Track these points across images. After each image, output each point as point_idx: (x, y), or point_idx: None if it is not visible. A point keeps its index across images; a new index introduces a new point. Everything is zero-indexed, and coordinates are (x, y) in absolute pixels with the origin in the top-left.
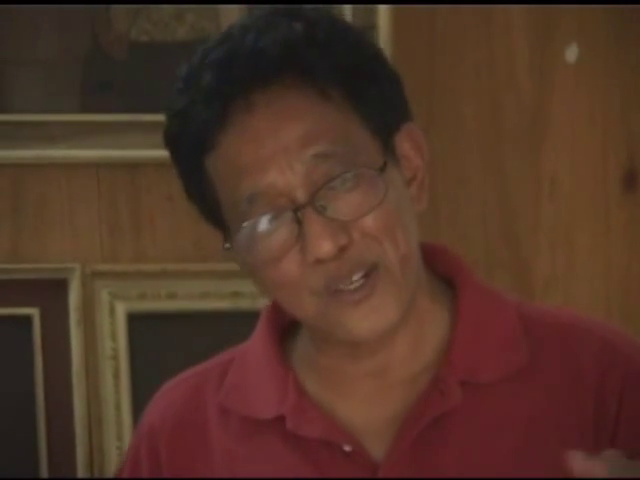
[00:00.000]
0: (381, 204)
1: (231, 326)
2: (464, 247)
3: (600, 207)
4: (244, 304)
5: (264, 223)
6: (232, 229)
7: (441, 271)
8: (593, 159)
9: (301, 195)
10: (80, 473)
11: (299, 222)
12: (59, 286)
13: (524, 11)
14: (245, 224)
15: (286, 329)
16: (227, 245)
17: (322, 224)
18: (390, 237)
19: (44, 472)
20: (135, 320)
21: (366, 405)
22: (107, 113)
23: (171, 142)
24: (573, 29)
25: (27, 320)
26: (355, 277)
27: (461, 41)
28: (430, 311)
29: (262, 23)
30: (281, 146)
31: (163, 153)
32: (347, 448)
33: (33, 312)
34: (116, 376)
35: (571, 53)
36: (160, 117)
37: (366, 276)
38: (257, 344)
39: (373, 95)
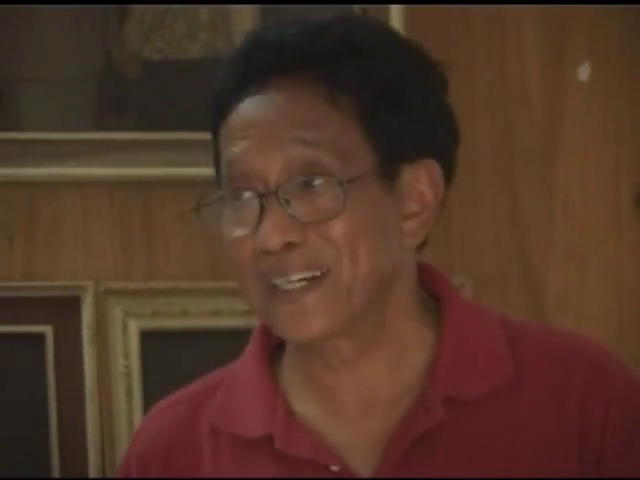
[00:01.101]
0: (350, 212)
1: (242, 344)
2: (477, 265)
3: (612, 226)
4: (255, 322)
5: (240, 200)
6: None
7: (427, 289)
8: (605, 178)
9: (272, 182)
10: None
11: (262, 209)
12: (72, 304)
13: (536, 29)
14: (221, 194)
15: (274, 350)
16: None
17: (278, 217)
18: (350, 249)
19: None
20: (148, 338)
21: (353, 423)
22: (120, 131)
23: (209, 114)
24: (585, 48)
25: (40, 338)
26: (293, 277)
27: (473, 59)
28: (413, 332)
29: (305, 22)
30: (273, 135)
31: (176, 171)
32: (334, 468)
33: (46, 330)
34: (129, 394)
35: (583, 72)
36: (173, 135)
37: (306, 281)
38: (247, 364)
39: (390, 122)
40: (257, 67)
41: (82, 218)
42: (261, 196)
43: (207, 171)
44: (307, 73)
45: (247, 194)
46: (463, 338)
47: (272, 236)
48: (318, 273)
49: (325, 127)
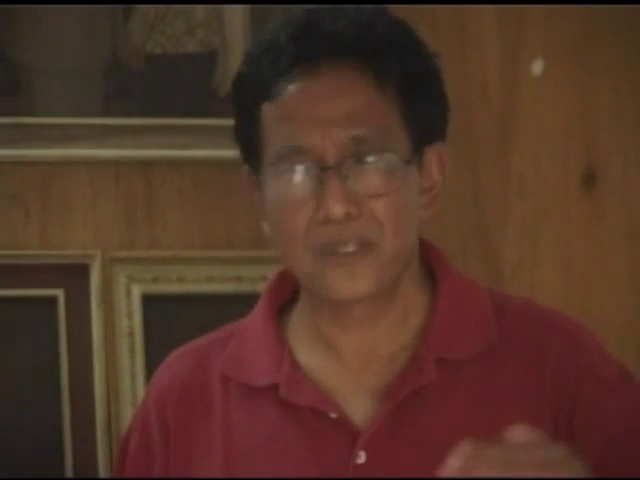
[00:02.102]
0: (395, 192)
1: (234, 307)
2: (441, 240)
3: (562, 204)
4: (246, 288)
5: (295, 173)
6: (265, 169)
7: (425, 261)
8: (556, 161)
9: (331, 159)
10: (100, 437)
11: (321, 182)
12: (82, 270)
13: (495, 27)
14: (285, 164)
15: (284, 305)
16: (257, 199)
17: (341, 188)
18: (393, 226)
19: (67, 437)
20: (149, 301)
21: (352, 377)
22: (125, 117)
23: (238, 83)
24: (539, 45)
25: (53, 300)
26: (350, 246)
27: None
28: (414, 296)
29: (345, 10)
30: (331, 117)
31: (174, 152)
32: (333, 415)
33: (58, 293)
34: (132, 351)
35: (537, 67)
36: (172, 121)
37: (359, 249)
38: (257, 319)
39: (422, 107)
40: (309, 52)
41: (90, 194)
42: (323, 169)
43: (202, 152)
44: (356, 61)
45: (301, 167)
46: (454, 305)
47: (336, 205)
48: (367, 245)
49: (373, 110)
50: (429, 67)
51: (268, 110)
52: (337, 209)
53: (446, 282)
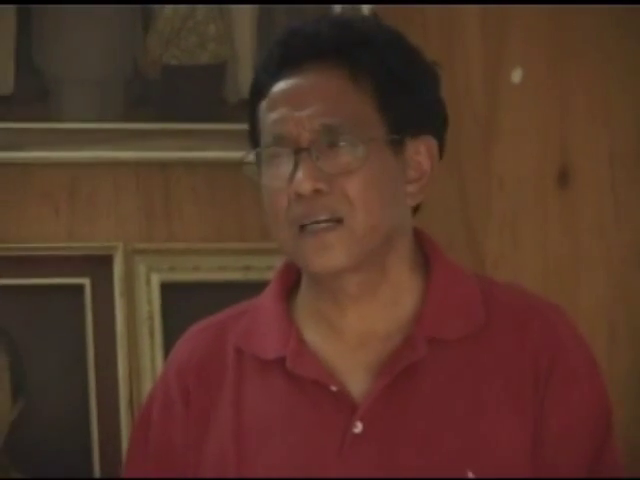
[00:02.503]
0: (363, 170)
1: (243, 294)
2: (430, 232)
3: (539, 200)
4: (254, 276)
5: (278, 158)
6: (260, 159)
7: (420, 248)
8: (533, 161)
9: (304, 142)
10: (123, 411)
11: (296, 164)
12: (106, 261)
13: (479, 41)
14: (269, 152)
15: (292, 288)
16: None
17: (310, 168)
18: (364, 204)
19: (94, 411)
20: (167, 288)
21: (351, 353)
22: (144, 122)
23: (251, 85)
24: (518, 55)
25: (80, 288)
26: (320, 218)
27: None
28: (408, 280)
29: (329, 17)
30: (304, 106)
31: (189, 154)
32: (333, 388)
33: (85, 282)
34: (151, 334)
35: (516, 75)
36: (187, 125)
37: (330, 224)
38: (268, 299)
39: (399, 100)
40: (294, 53)
41: (113, 192)
42: (296, 152)
43: (214, 154)
44: (334, 59)
45: (283, 153)
46: (446, 290)
47: (304, 182)
48: (337, 220)
49: (347, 100)
50: (411, 65)
51: (260, 107)
52: (305, 185)
53: (438, 269)
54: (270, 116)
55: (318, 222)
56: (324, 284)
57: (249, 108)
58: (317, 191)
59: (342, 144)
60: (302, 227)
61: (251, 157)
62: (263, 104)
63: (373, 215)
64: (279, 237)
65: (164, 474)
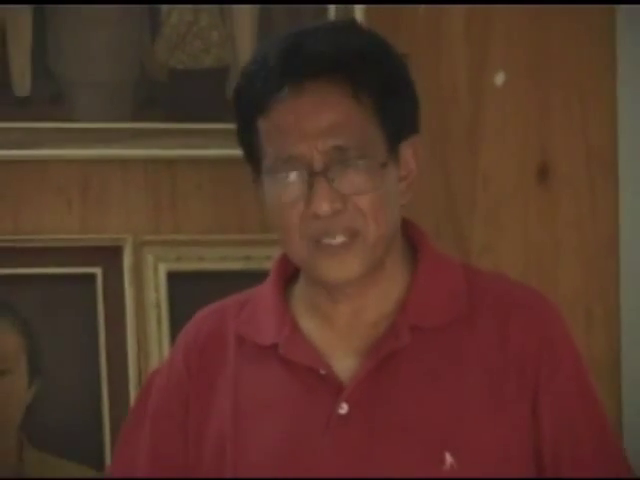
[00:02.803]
0: (374, 190)
1: (244, 282)
2: (419, 224)
3: (520, 195)
4: (254, 266)
5: (288, 178)
6: (265, 174)
7: (408, 238)
8: (515, 158)
9: (318, 165)
10: (132, 392)
11: (310, 185)
12: (116, 252)
13: (464, 46)
14: (279, 171)
15: (289, 279)
16: (261, 197)
17: (327, 190)
18: (374, 217)
19: (105, 393)
20: (173, 277)
21: (341, 340)
22: (152, 122)
23: (236, 97)
24: (501, 60)
25: (92, 277)
26: (338, 237)
27: (416, 69)
28: (396, 272)
29: (324, 30)
30: (315, 130)
31: (194, 152)
32: (322, 372)
33: (97, 271)
34: (158, 320)
35: (499, 79)
36: (192, 125)
37: (347, 240)
38: (267, 290)
39: (395, 109)
40: (294, 72)
41: (123, 187)
42: (310, 174)
43: (217, 152)
44: (335, 77)
45: (294, 173)
46: (431, 280)
47: (323, 205)
48: (353, 234)
49: (352, 119)
50: (399, 72)
51: (262, 123)
52: (324, 207)
53: (426, 258)
54: (278, 136)
55: (334, 241)
56: (326, 287)
57: (244, 118)
58: (334, 212)
59: (352, 164)
60: (318, 242)
61: (255, 177)
62: (264, 121)
63: (382, 225)
64: (291, 248)
65: (157, 437)
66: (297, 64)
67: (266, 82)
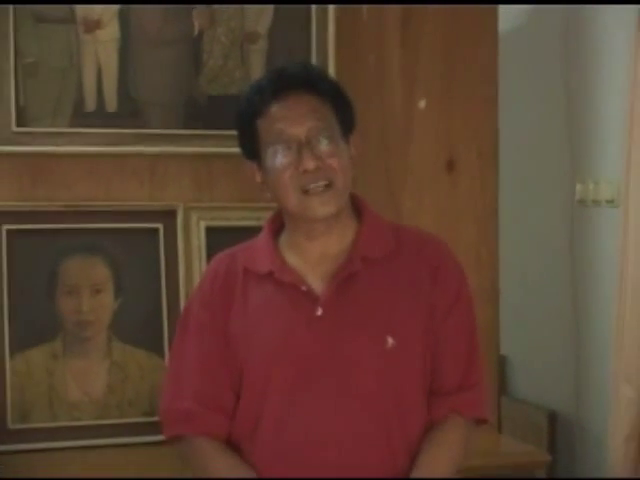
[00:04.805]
0: (338, 154)
1: (254, 234)
2: (366, 198)
3: (435, 179)
4: (260, 223)
5: (284, 149)
6: (265, 158)
7: (355, 205)
8: (432, 155)
9: (303, 139)
10: (182, 303)
11: (299, 152)
12: (172, 214)
13: (400, 79)
14: (276, 147)
15: (278, 230)
16: (258, 179)
17: (311, 153)
18: (342, 172)
19: (164, 305)
20: (210, 231)
21: (314, 267)
22: (196, 129)
23: (240, 109)
24: (424, 90)
25: (156, 230)
26: (320, 183)
27: (367, 98)
28: (348, 223)
29: (297, 65)
30: (299, 116)
31: (225, 150)
32: (303, 288)
33: (159, 226)
34: (199, 259)
35: (422, 103)
36: (221, 132)
37: (325, 186)
38: (263, 237)
39: (342, 109)
40: (282, 87)
41: (176, 172)
42: (300, 145)
43: (238, 150)
44: (308, 89)
45: (288, 146)
46: (372, 227)
47: (310, 162)
48: (329, 183)
49: (320, 112)
50: (341, 89)
51: (260, 123)
52: (310, 164)
53: (366, 215)
54: (275, 125)
55: (318, 186)
56: (307, 225)
57: (245, 124)
58: (316, 167)
59: (324, 138)
60: (305, 191)
61: (248, 163)
62: (262, 120)
63: (345, 179)
64: (287, 199)
65: (201, 342)
66: (283, 82)
67: (262, 96)
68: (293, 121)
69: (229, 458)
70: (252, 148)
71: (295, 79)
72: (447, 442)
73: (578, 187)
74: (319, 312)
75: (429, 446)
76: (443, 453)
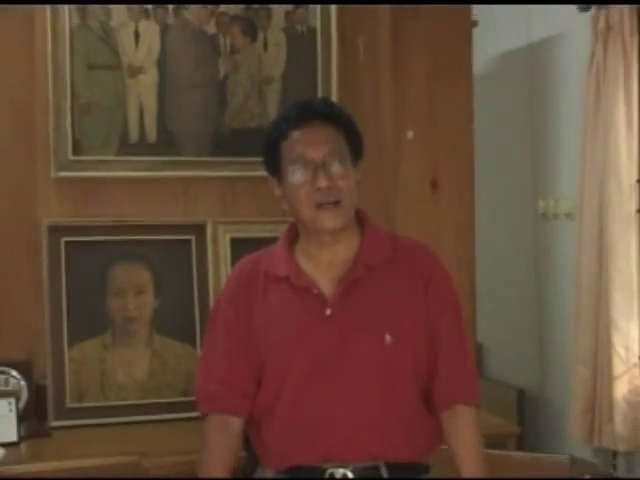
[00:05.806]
0: (348, 179)
1: (271, 244)
2: (367, 212)
3: (421, 197)
4: (276, 234)
5: (303, 169)
6: (285, 176)
7: (358, 218)
8: (418, 176)
9: (319, 162)
10: (211, 301)
11: (315, 172)
12: (202, 227)
13: (391, 112)
14: (296, 166)
15: (293, 239)
16: (277, 192)
17: (325, 175)
18: (348, 193)
19: (196, 303)
20: (234, 242)
21: (324, 273)
22: (222, 157)
23: (267, 134)
24: (411, 122)
25: (189, 241)
26: (330, 200)
27: (361, 127)
28: (353, 234)
29: (318, 99)
30: (317, 142)
31: (248, 173)
32: (315, 291)
33: (192, 237)
34: (225, 264)
35: (410, 134)
36: (244, 159)
37: (335, 203)
38: (280, 245)
39: (353, 140)
40: (304, 117)
41: (206, 192)
42: (316, 166)
43: (260, 173)
44: (326, 120)
45: (305, 166)
46: (372, 238)
47: (324, 181)
48: (338, 201)
49: (336, 141)
50: (354, 124)
51: (284, 145)
52: (324, 183)
53: (368, 228)
54: (297, 148)
55: (329, 203)
56: (318, 236)
57: (271, 145)
58: (329, 186)
59: (337, 162)
60: (319, 206)
61: (270, 179)
62: (285, 143)
63: (352, 199)
64: (302, 212)
65: (228, 335)
66: (305, 113)
67: (287, 123)
68: (312, 146)
69: (227, 439)
70: (275, 166)
71: (317, 111)
72: (471, 441)
73: (540, 203)
74: (328, 312)
75: (463, 451)
76: (477, 452)
